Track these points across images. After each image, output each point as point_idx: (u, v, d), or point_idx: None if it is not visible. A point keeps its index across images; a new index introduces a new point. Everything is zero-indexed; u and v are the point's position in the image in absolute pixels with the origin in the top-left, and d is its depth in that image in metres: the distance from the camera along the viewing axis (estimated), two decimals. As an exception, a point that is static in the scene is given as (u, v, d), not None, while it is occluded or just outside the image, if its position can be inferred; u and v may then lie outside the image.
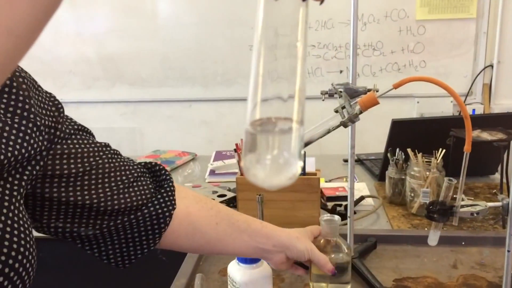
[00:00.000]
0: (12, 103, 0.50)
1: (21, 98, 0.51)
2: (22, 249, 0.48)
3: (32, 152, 0.51)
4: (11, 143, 0.48)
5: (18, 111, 0.50)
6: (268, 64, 0.32)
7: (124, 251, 0.65)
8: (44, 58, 2.67)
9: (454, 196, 0.84)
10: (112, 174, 0.62)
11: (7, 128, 0.48)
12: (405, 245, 1.07)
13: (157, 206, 0.65)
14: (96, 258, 0.65)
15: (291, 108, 0.31)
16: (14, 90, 0.51)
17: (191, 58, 2.59)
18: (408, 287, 0.91)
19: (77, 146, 0.60)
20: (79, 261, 1.32)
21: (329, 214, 0.78)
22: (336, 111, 0.81)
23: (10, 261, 0.46)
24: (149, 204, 0.65)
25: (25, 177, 0.51)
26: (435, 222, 0.82)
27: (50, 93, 0.60)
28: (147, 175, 0.69)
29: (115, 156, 0.65)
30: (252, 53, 0.33)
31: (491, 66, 2.53)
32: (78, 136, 0.62)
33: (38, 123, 0.52)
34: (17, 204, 0.50)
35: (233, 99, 2.56)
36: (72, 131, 0.61)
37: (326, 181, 1.50)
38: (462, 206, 0.81)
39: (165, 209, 0.65)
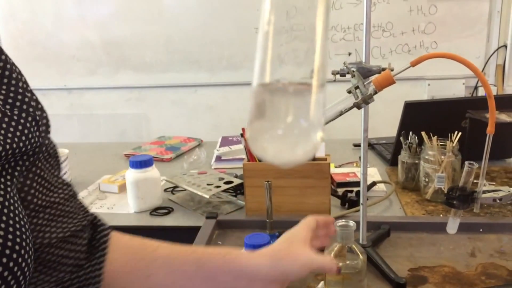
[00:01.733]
0: (12, 94, 0.48)
1: (20, 90, 0.49)
2: (17, 247, 0.44)
3: (29, 146, 0.48)
4: (9, 134, 0.46)
5: (18, 103, 0.48)
6: (282, 17, 0.27)
7: None
8: (46, 43, 2.63)
9: (475, 181, 0.79)
10: (58, 218, 0.54)
11: (6, 119, 0.46)
12: (420, 233, 1.03)
13: (82, 278, 0.56)
14: None
15: (309, 67, 0.26)
16: (13, 82, 0.49)
17: (196, 42, 2.54)
18: (425, 277, 0.87)
19: (42, 173, 0.53)
20: None
21: (343, 220, 0.72)
22: (349, 92, 0.76)
23: (4, 260, 0.42)
24: (74, 275, 0.56)
25: (16, 173, 0.48)
26: (455, 209, 0.77)
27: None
28: (85, 234, 0.58)
29: (71, 199, 0.57)
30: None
31: (505, 46, 2.46)
32: (49, 163, 0.56)
33: (37, 117, 0.50)
34: (11, 200, 0.46)
35: (239, 83, 2.51)
36: (50, 152, 0.55)
37: (335, 167, 1.45)
38: (484, 192, 0.77)
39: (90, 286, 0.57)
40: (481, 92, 2.51)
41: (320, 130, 0.27)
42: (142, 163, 1.18)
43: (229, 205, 1.21)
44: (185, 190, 1.24)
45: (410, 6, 2.42)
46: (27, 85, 0.51)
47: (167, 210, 1.20)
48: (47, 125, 0.54)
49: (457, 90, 2.50)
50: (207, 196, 1.14)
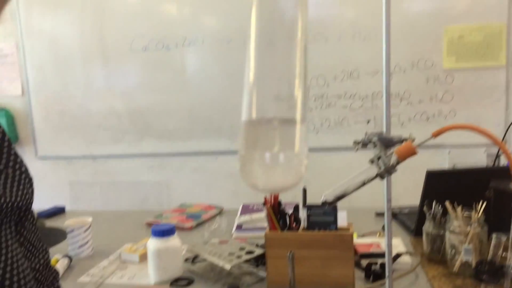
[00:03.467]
0: (12, 157, 0.54)
1: (13, 151, 0.55)
2: None
3: (24, 202, 0.53)
4: (14, 194, 0.52)
5: (17, 166, 0.54)
6: (265, 58, 0.29)
7: None
8: (75, 113, 2.74)
9: (503, 254, 0.77)
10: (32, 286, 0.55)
11: (9, 180, 0.52)
12: (449, 308, 0.98)
13: None
14: None
15: (293, 103, 0.28)
16: (11, 147, 0.54)
17: (217, 109, 2.62)
18: None
19: (29, 236, 0.58)
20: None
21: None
22: (372, 162, 0.77)
23: None
24: None
25: (13, 227, 0.53)
26: (485, 284, 0.74)
27: None
28: None
29: (48, 265, 0.60)
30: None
31: (525, 114, 2.46)
32: (33, 224, 0.60)
33: (30, 177, 0.56)
34: (15, 252, 0.49)
35: (259, 151, 2.54)
36: (32, 214, 0.61)
37: (358, 237, 1.43)
38: (514, 266, 0.74)
39: None
40: (503, 160, 2.48)
41: (304, 158, 0.29)
42: (164, 232, 1.18)
43: (250, 277, 1.19)
44: (206, 260, 1.22)
45: (427, 76, 2.47)
46: (15, 149, 0.57)
47: (187, 281, 1.18)
48: (33, 186, 0.60)
49: (478, 158, 2.48)
50: (228, 267, 1.13)
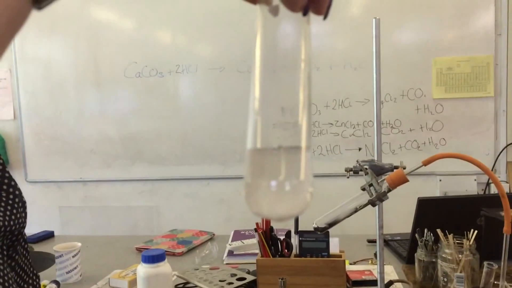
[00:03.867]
0: (6, 180, 0.54)
1: (7, 174, 0.55)
2: None
3: (17, 226, 0.54)
4: (7, 217, 0.52)
5: (11, 189, 0.54)
6: (269, 87, 0.30)
7: None
8: (67, 138, 2.74)
9: (495, 282, 0.77)
10: None
11: (2, 203, 0.52)
12: (442, 337, 0.98)
13: None
14: None
15: (298, 133, 0.29)
16: (5, 170, 0.55)
17: (210, 136, 2.63)
18: None
19: (20, 261, 0.58)
20: None
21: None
22: (363, 189, 0.78)
23: None
24: None
25: (5, 252, 0.52)
26: (477, 312, 0.74)
27: None
28: None
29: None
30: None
31: (513, 144, 2.50)
32: (25, 248, 0.60)
33: (23, 200, 0.56)
34: (6, 277, 0.49)
35: (251, 177, 2.54)
36: (24, 237, 0.60)
37: (350, 264, 1.42)
38: (506, 294, 0.74)
39: None
40: (493, 188, 2.51)
41: (310, 186, 0.30)
42: (154, 258, 1.16)
43: (241, 304, 1.17)
44: (196, 286, 1.21)
45: (417, 105, 2.52)
46: (9, 173, 0.57)
47: (177, 308, 1.16)
48: (26, 210, 0.59)
49: (469, 186, 2.50)
50: (219, 294, 1.11)
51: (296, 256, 1.14)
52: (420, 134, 2.53)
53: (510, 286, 0.78)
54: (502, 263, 0.73)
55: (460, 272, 1.12)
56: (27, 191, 2.78)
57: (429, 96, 2.50)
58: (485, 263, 0.75)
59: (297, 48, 0.31)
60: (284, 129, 0.30)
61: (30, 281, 0.58)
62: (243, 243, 1.59)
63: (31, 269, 0.59)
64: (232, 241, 1.64)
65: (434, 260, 1.21)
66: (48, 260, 1.54)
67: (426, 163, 0.76)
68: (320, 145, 2.57)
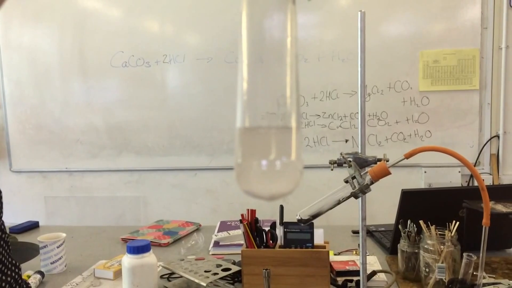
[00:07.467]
0: None
1: None
2: None
3: None
4: None
5: None
6: (257, 66, 0.30)
7: None
8: (53, 127, 2.71)
9: (474, 273, 0.79)
10: None
11: None
12: (422, 326, 1.00)
13: None
14: None
15: (288, 111, 0.29)
16: None
17: (197, 127, 2.62)
18: None
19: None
20: None
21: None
22: (346, 182, 0.79)
23: None
24: None
25: None
26: (456, 302, 0.76)
27: None
28: None
29: (19, 280, 0.59)
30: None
31: (497, 136, 2.53)
32: (4, 240, 0.59)
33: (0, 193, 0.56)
34: None
35: (238, 168, 2.54)
36: (2, 228, 0.59)
37: (334, 254, 1.44)
38: (484, 285, 0.76)
39: None
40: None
41: (300, 164, 0.30)
42: (139, 249, 1.16)
43: (226, 294, 1.18)
44: (181, 277, 1.21)
45: (403, 97, 2.53)
46: None
47: (162, 298, 1.16)
48: (1, 200, 0.58)
49: (453, 177, 2.54)
50: (204, 284, 1.12)
51: (280, 247, 1.15)
52: (406, 126, 2.55)
53: (489, 276, 0.80)
54: (480, 254, 0.75)
55: (442, 262, 1.14)
56: (12, 181, 2.75)
57: (416, 89, 2.52)
58: (465, 254, 0.76)
59: (283, 24, 0.31)
60: (274, 108, 0.30)
61: (9, 272, 0.57)
62: (229, 233, 1.59)
63: (10, 259, 0.59)
64: (218, 231, 1.64)
65: (416, 251, 1.23)
66: (32, 250, 1.53)
67: (408, 156, 0.77)
68: (307, 136, 2.58)
